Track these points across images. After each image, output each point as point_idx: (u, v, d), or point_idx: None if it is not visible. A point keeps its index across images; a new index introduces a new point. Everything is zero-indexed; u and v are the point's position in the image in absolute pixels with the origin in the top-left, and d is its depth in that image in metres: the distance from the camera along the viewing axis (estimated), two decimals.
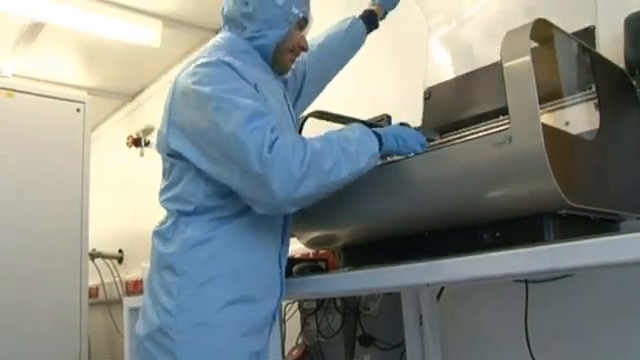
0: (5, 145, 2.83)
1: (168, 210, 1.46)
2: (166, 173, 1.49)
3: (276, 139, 1.26)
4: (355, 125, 1.41)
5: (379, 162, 1.42)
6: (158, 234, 1.45)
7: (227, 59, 1.39)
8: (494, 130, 1.39)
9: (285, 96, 1.58)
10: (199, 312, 1.34)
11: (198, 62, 1.39)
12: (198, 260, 1.37)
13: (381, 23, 1.93)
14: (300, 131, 1.67)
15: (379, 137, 1.38)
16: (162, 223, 1.46)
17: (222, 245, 1.39)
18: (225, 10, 1.55)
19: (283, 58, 1.55)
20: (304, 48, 1.57)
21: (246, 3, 1.47)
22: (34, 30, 3.63)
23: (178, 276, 1.36)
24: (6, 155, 2.83)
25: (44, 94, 3.03)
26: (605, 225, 1.41)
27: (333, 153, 1.30)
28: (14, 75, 4.12)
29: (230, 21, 1.53)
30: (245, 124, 1.26)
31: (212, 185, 1.38)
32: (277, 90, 1.54)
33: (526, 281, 1.80)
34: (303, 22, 1.53)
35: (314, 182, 1.27)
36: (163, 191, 1.48)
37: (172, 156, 1.43)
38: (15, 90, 2.90)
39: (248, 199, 1.33)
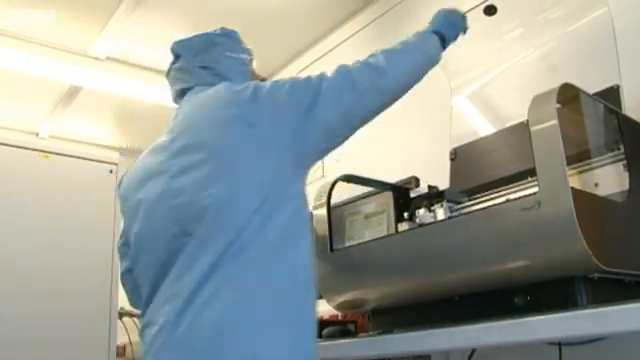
0: (39, 206, 2.88)
1: None
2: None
3: None
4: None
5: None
6: None
7: None
8: (523, 193, 1.39)
9: None
10: None
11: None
12: None
13: None
14: (330, 195, 1.69)
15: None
16: None
17: None
18: (183, 64, 1.52)
19: None
20: (264, 79, 1.48)
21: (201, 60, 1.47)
22: (71, 94, 3.78)
23: None
24: (40, 215, 2.87)
25: (78, 156, 3.09)
26: None
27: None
28: (50, 136, 4.28)
29: (192, 72, 1.51)
30: None
31: None
32: None
33: (559, 343, 1.76)
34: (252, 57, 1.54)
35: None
36: None
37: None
38: (50, 152, 2.97)
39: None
